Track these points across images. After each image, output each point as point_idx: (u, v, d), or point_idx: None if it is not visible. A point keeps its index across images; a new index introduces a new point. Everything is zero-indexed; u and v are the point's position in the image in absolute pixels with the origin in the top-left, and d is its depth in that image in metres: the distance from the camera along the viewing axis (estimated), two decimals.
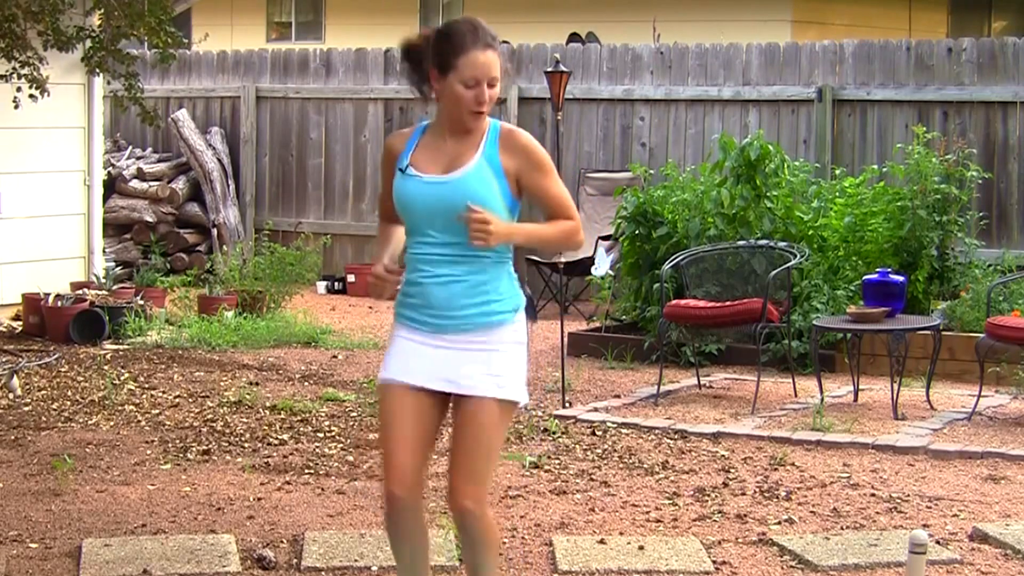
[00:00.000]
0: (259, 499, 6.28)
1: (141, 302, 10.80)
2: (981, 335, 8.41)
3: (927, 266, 9.88)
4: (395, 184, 4.13)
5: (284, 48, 16.11)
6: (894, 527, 5.98)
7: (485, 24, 4.11)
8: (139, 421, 7.83)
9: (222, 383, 8.92)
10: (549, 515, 6.08)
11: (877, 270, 8.95)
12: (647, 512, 6.19)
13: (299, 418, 7.94)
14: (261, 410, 8.14)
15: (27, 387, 8.67)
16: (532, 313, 4.37)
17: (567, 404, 8.39)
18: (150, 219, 13.97)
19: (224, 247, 13.97)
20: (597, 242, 11.92)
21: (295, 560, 5.43)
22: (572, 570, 5.39)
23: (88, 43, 10.00)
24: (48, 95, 9.71)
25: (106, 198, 12.91)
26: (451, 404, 4.19)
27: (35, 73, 9.55)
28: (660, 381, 8.80)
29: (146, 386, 8.80)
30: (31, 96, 9.64)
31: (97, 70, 10.24)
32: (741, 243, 9.45)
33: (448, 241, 4.06)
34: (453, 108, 4.07)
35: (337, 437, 7.54)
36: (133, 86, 10.12)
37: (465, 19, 4.13)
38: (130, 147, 14.84)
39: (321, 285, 13.56)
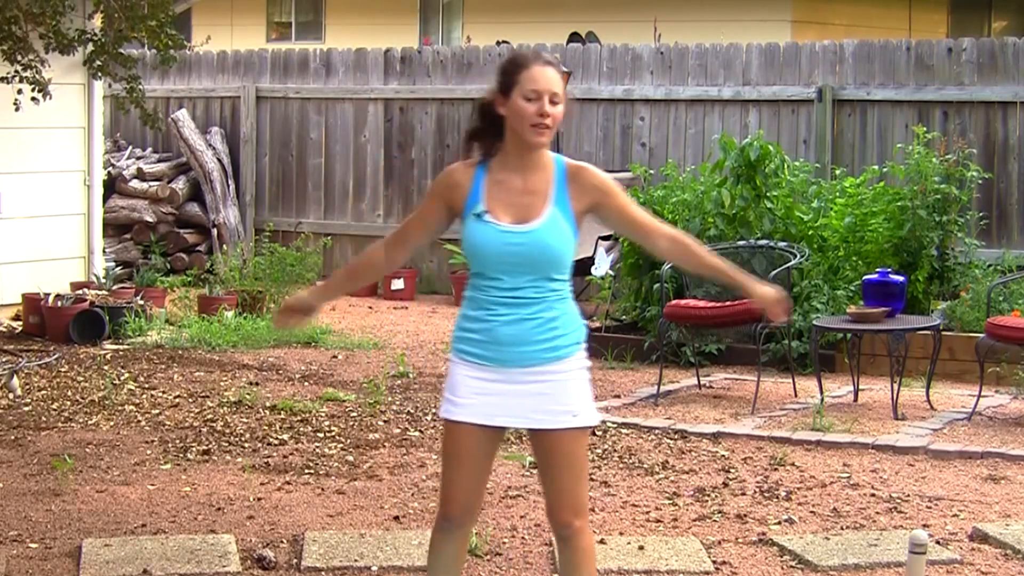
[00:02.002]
0: (259, 499, 6.28)
1: (141, 302, 10.80)
2: (981, 335, 8.41)
3: (927, 266, 9.88)
4: (468, 227, 4.13)
5: (284, 48, 16.11)
6: (894, 527, 5.99)
7: (552, 55, 4.26)
8: (139, 421, 7.83)
9: (222, 383, 8.92)
10: None
11: (877, 270, 8.95)
12: (647, 512, 6.19)
13: (299, 418, 7.94)
14: (261, 410, 8.14)
15: (27, 387, 8.67)
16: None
17: None
18: (150, 219, 13.97)
19: (224, 247, 13.97)
20: (597, 242, 11.92)
21: (295, 560, 5.43)
22: None
23: (90, 46, 9.99)
24: (50, 98, 9.71)
25: (106, 198, 12.91)
26: (526, 433, 4.31)
27: (37, 76, 9.54)
28: (660, 381, 8.81)
29: (146, 386, 8.80)
30: (33, 99, 9.63)
31: (99, 73, 10.24)
32: (741, 243, 9.45)
33: (518, 285, 4.10)
34: (517, 125, 4.08)
35: (337, 437, 7.54)
36: (134, 89, 10.12)
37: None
38: (130, 147, 14.84)
39: None
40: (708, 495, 6.47)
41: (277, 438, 7.49)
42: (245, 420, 7.88)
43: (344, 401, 8.43)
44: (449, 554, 4.25)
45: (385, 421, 7.94)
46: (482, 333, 4.13)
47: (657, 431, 7.76)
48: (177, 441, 7.36)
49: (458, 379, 4.17)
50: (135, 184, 14.04)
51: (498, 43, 15.08)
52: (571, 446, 4.16)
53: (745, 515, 6.13)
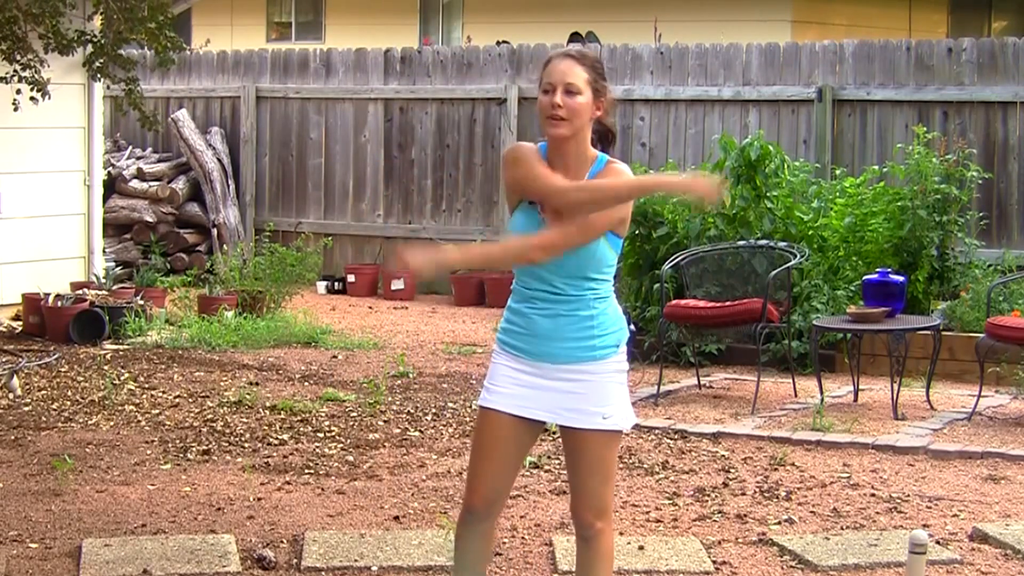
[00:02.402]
0: (259, 499, 6.28)
1: (141, 302, 10.80)
2: (981, 335, 8.41)
3: (927, 266, 9.88)
4: (517, 214, 4.17)
5: (284, 48, 16.11)
6: (894, 527, 5.98)
7: (587, 50, 4.25)
8: (139, 421, 7.83)
9: (222, 383, 8.92)
10: (549, 515, 6.08)
11: (877, 270, 8.95)
12: (647, 512, 6.19)
13: (299, 418, 7.94)
14: (261, 410, 8.14)
15: (27, 387, 8.67)
16: (630, 353, 4.41)
17: None
18: (150, 219, 13.97)
19: (224, 247, 13.97)
20: None
21: (295, 560, 5.43)
22: (572, 570, 5.37)
23: (89, 47, 9.99)
24: (49, 98, 9.71)
25: (106, 198, 12.91)
26: (556, 429, 4.25)
27: (35, 75, 9.54)
28: (660, 381, 8.81)
29: (146, 386, 8.80)
30: (31, 99, 9.64)
31: (99, 75, 10.24)
32: (741, 243, 9.45)
33: (556, 280, 4.10)
34: (539, 120, 4.14)
35: (337, 437, 7.54)
36: (133, 91, 10.12)
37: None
38: (130, 147, 14.84)
39: (321, 285, 13.56)
40: (708, 495, 6.47)
41: (277, 438, 7.49)
42: (245, 420, 7.88)
43: (344, 401, 8.43)
44: (474, 550, 4.26)
45: (385, 421, 7.94)
46: (522, 326, 4.16)
47: (657, 431, 7.76)
48: (177, 441, 7.36)
49: (497, 368, 4.21)
50: (135, 184, 14.05)
51: (498, 43, 15.08)
52: (599, 448, 4.15)
53: (745, 515, 6.13)
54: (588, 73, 4.09)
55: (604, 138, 4.21)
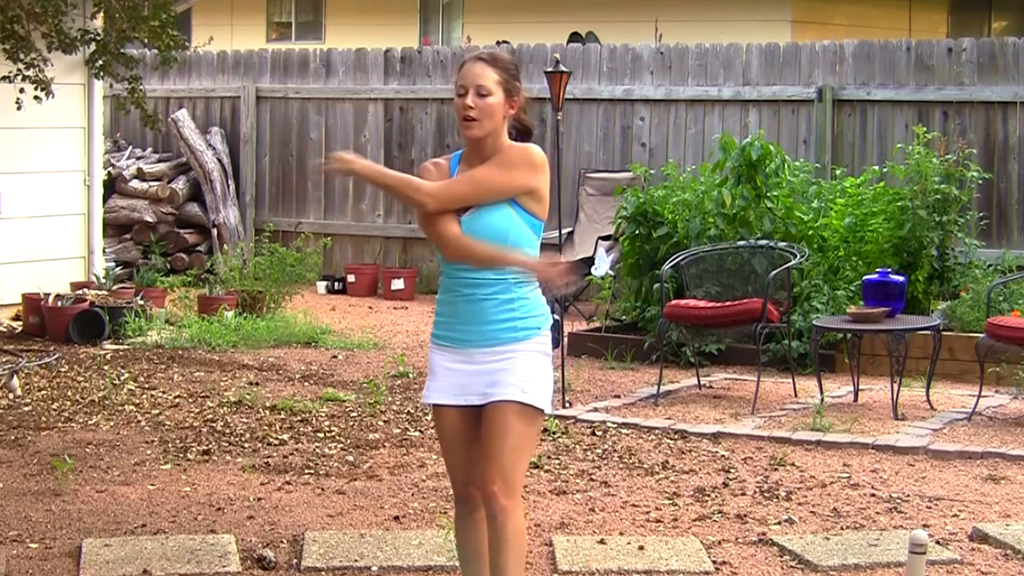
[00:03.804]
0: (259, 499, 6.28)
1: (141, 302, 10.80)
2: (981, 335, 8.41)
3: (927, 266, 9.88)
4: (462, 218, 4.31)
5: (284, 48, 16.11)
6: (894, 527, 5.99)
7: (499, 52, 4.41)
8: (139, 421, 7.83)
9: (222, 383, 8.92)
10: (549, 515, 6.08)
11: (877, 270, 8.95)
12: (647, 512, 6.19)
13: (299, 418, 7.94)
14: (261, 410, 8.14)
15: (27, 387, 8.67)
16: (555, 340, 4.52)
17: (567, 404, 8.39)
18: (150, 219, 13.97)
19: (224, 247, 13.97)
20: (597, 242, 11.92)
21: (295, 560, 5.43)
22: (572, 570, 5.38)
23: (92, 46, 9.99)
24: (52, 97, 9.71)
25: (106, 198, 12.91)
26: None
27: (39, 75, 9.54)
28: (660, 381, 8.81)
29: (146, 386, 8.80)
30: (35, 98, 9.63)
31: (101, 73, 10.24)
32: (741, 243, 9.45)
33: (477, 268, 4.27)
34: (456, 123, 4.31)
35: (337, 437, 7.54)
36: (136, 89, 10.12)
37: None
38: (130, 147, 14.84)
39: (321, 285, 13.56)
40: (708, 495, 6.47)
41: (277, 438, 7.49)
42: (245, 420, 7.88)
43: (344, 401, 8.43)
44: (474, 539, 4.38)
45: (385, 421, 7.94)
46: (447, 315, 4.35)
47: (657, 431, 7.76)
48: (177, 441, 7.36)
49: (432, 363, 4.39)
50: (135, 184, 14.04)
51: (498, 43, 15.08)
52: (514, 419, 4.23)
53: (745, 515, 6.13)
54: (498, 75, 4.25)
55: (523, 134, 4.37)
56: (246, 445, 7.32)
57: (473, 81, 4.23)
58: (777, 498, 6.43)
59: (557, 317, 4.45)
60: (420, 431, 7.70)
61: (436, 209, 4.24)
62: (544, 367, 4.32)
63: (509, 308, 4.27)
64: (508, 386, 4.24)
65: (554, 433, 7.66)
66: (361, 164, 4.33)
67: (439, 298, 4.39)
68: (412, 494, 6.43)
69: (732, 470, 6.93)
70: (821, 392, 8.45)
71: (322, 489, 6.49)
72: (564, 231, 11.32)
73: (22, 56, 9.49)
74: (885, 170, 10.61)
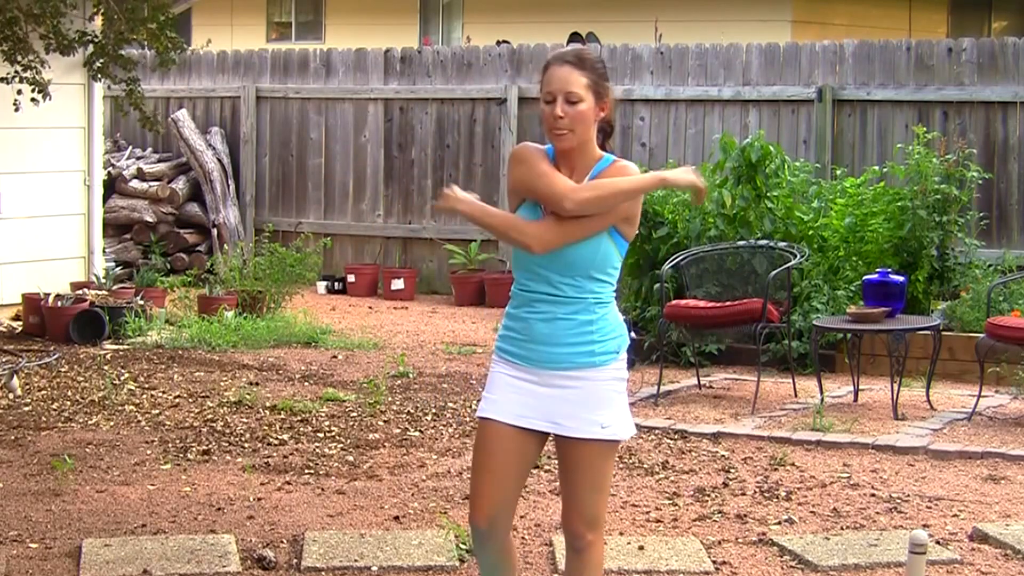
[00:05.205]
0: (259, 499, 6.28)
1: (141, 302, 10.80)
2: (981, 335, 8.41)
3: (927, 266, 9.88)
4: (520, 210, 4.07)
5: (284, 48, 16.11)
6: (894, 527, 5.98)
7: (585, 51, 4.09)
8: (139, 421, 7.83)
9: (222, 383, 8.92)
10: (549, 515, 6.08)
11: (877, 270, 8.95)
12: (647, 512, 6.19)
13: (299, 418, 7.94)
14: (261, 410, 8.14)
15: (27, 387, 8.67)
16: (630, 361, 4.28)
17: None
18: (150, 219, 13.97)
19: (224, 247, 13.97)
20: None
21: (295, 560, 5.43)
22: None
23: (90, 48, 9.99)
24: (50, 99, 9.71)
25: (106, 198, 12.91)
26: (552, 439, 4.11)
27: (37, 76, 9.54)
28: (660, 381, 8.81)
29: (146, 386, 8.80)
30: (32, 99, 9.64)
31: (99, 75, 10.24)
32: (741, 243, 9.45)
33: (556, 281, 3.99)
34: (543, 130, 4.05)
35: (337, 437, 7.54)
36: (134, 91, 10.12)
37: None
38: (130, 147, 14.84)
39: (321, 285, 13.57)
40: (708, 495, 6.47)
41: (277, 438, 7.49)
42: (245, 420, 7.88)
43: (344, 401, 8.43)
44: (493, 564, 4.15)
45: (385, 421, 7.94)
46: (519, 331, 4.04)
47: (657, 431, 7.76)
48: (177, 441, 7.36)
49: (494, 377, 4.09)
50: (135, 184, 14.05)
51: (498, 43, 15.08)
52: (594, 458, 4.01)
53: (745, 515, 6.13)
54: (588, 77, 3.99)
55: (604, 132, 4.15)
56: (246, 445, 7.32)
57: (562, 88, 3.96)
58: (777, 498, 6.43)
59: (635, 335, 4.25)
60: (420, 431, 7.70)
61: (541, 252, 3.96)
62: (621, 394, 4.05)
63: (588, 330, 3.98)
64: (587, 423, 3.98)
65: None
66: (466, 204, 4.03)
67: (509, 311, 4.07)
68: (412, 494, 6.43)
69: (732, 470, 6.93)
70: (821, 392, 8.45)
71: (322, 489, 6.49)
72: None
73: (19, 58, 9.49)
74: (885, 170, 10.61)
